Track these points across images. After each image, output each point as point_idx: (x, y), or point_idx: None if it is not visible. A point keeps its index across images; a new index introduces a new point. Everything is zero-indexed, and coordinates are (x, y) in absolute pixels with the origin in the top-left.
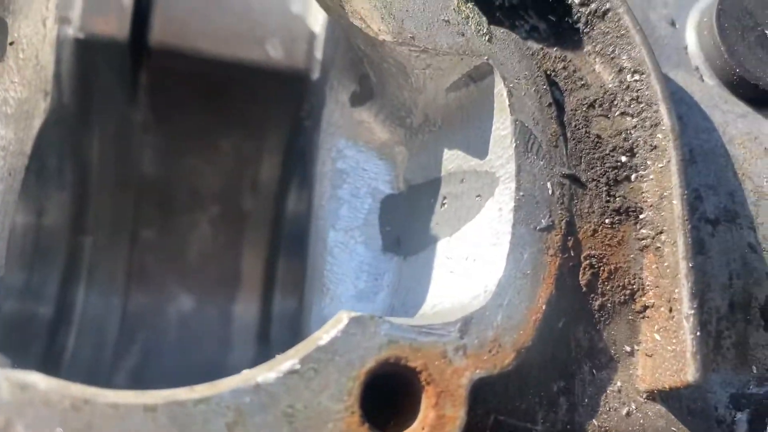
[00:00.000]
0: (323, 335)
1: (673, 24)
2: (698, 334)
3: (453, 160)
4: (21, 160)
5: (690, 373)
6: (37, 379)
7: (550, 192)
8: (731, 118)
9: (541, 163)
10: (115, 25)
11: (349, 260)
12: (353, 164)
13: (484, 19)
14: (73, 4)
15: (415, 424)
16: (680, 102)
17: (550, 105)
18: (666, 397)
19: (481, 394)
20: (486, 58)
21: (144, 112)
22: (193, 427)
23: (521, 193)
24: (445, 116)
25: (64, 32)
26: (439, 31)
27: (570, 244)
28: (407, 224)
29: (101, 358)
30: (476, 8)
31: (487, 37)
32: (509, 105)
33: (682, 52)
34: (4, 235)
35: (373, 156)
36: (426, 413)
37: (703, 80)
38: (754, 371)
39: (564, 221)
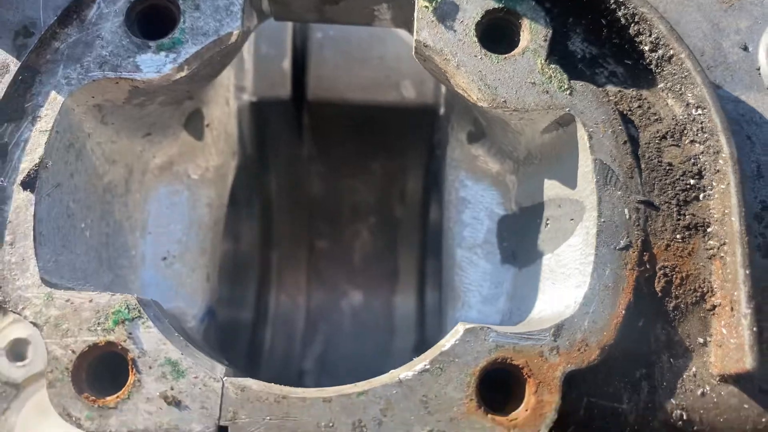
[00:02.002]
0: (446, 343)
1: (745, 48)
2: (755, 329)
3: (552, 188)
4: (222, 210)
5: (748, 362)
6: (251, 383)
7: (627, 217)
8: None
9: (619, 192)
10: (280, 86)
11: (474, 272)
12: (473, 193)
13: (565, 76)
14: (246, 76)
15: (521, 407)
16: (750, 122)
17: (625, 142)
18: (738, 378)
19: (575, 381)
20: (568, 109)
21: (308, 147)
22: (357, 413)
23: (602, 220)
24: (543, 153)
25: (241, 99)
26: (527, 93)
27: (646, 258)
28: (520, 240)
29: (292, 348)
30: (558, 67)
31: (568, 92)
32: (590, 146)
33: (755, 74)
34: (215, 276)
35: (489, 184)
36: (528, 399)
37: None
38: None
39: (640, 240)
